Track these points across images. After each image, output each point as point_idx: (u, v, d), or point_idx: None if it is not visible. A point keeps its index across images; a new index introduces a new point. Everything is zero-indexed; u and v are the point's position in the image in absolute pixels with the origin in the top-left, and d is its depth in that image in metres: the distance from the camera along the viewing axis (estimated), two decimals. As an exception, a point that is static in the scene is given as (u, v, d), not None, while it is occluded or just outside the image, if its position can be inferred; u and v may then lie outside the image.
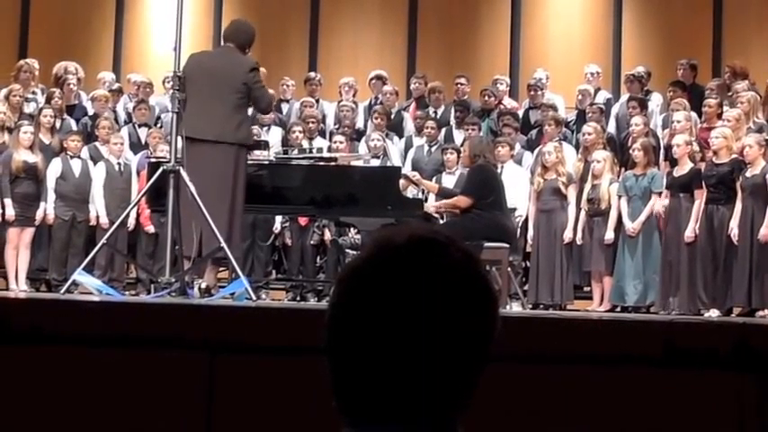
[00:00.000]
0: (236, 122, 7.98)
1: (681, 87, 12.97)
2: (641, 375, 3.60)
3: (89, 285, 8.15)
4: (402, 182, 9.81)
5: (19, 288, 11.35)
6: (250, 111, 8.89)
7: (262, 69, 8.87)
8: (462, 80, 13.88)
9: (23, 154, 11.46)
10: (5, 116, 12.02)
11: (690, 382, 3.59)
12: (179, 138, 7.67)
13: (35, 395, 3.72)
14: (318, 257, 12.40)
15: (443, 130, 13.03)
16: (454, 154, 11.73)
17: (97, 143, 12.40)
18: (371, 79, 14.34)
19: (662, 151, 11.87)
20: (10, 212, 11.39)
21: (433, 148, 12.59)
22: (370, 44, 16.50)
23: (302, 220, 12.03)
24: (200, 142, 7.72)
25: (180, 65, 7.71)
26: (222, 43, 8.48)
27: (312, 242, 12.18)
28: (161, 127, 12.81)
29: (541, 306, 11.32)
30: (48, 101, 12.83)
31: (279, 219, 12.14)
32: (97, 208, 11.89)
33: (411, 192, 10.62)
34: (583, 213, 11.42)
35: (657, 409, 3.57)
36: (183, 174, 7.38)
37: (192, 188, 7.31)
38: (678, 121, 11.44)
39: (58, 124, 12.49)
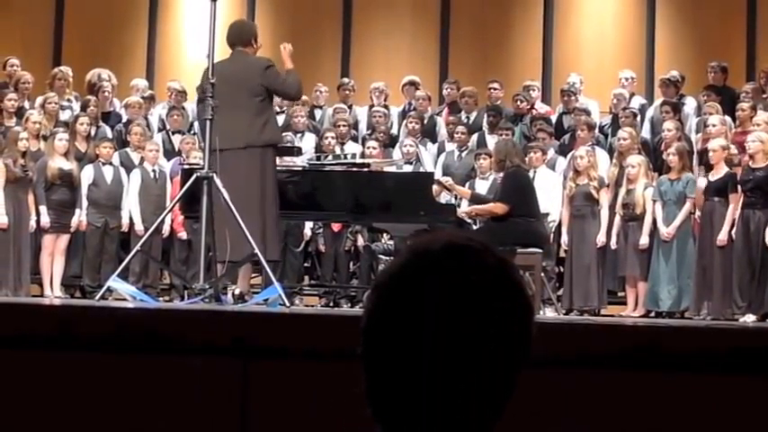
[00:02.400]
0: (261, 124, 7.97)
1: (715, 91, 12.92)
2: (676, 381, 3.58)
3: (123, 292, 8.18)
4: (435, 187, 9.80)
5: (54, 294, 11.41)
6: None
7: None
8: (495, 85, 13.86)
9: (59, 161, 11.52)
10: (41, 124, 12.09)
11: (725, 388, 3.57)
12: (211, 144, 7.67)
13: (70, 401, 3.74)
14: (351, 263, 12.41)
15: (476, 136, 13.02)
16: (487, 159, 11.70)
17: (128, 150, 12.44)
18: (404, 85, 14.34)
19: (695, 156, 11.82)
20: (45, 219, 11.45)
21: (464, 154, 12.59)
22: (403, 50, 16.50)
23: (335, 227, 12.05)
24: (227, 151, 7.69)
25: (213, 72, 7.70)
26: (231, 50, 8.40)
27: (345, 248, 12.20)
28: (194, 134, 12.84)
29: (575, 311, 11.29)
30: (83, 108, 12.89)
31: (309, 225, 12.16)
32: (132, 215, 11.94)
33: (444, 197, 10.61)
34: (618, 218, 11.38)
35: (693, 415, 3.55)
36: (217, 180, 7.39)
37: (226, 194, 7.33)
38: (714, 125, 11.38)
39: (93, 132, 12.55)
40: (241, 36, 8.28)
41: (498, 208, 9.28)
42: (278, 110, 13.57)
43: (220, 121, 7.67)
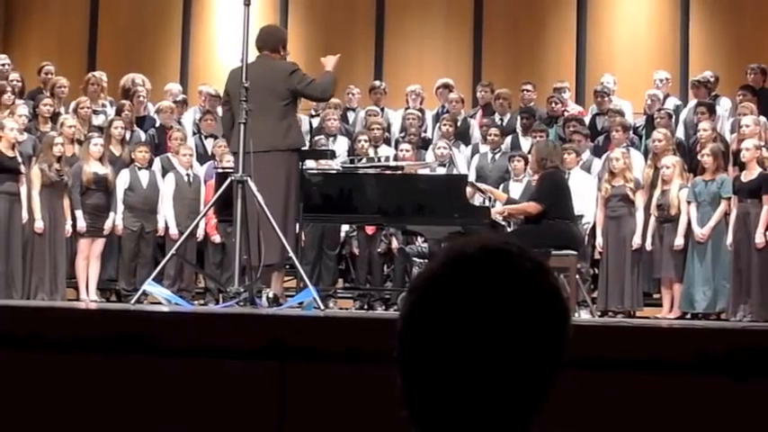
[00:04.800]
0: (284, 129, 7.96)
1: (750, 91, 12.84)
2: (714, 384, 3.56)
3: (158, 295, 8.20)
4: (468, 189, 9.79)
5: (89, 298, 11.47)
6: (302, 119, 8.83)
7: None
8: (528, 87, 13.84)
9: (94, 166, 11.59)
10: (75, 129, 12.15)
11: (764, 393, 3.55)
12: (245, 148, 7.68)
13: (107, 404, 3.76)
14: (386, 266, 12.41)
15: (509, 138, 13.00)
16: (521, 161, 11.71)
17: (169, 154, 12.47)
18: (438, 87, 14.33)
19: (731, 156, 11.75)
20: (81, 224, 11.52)
21: (497, 156, 12.57)
22: (436, 52, 16.50)
23: (369, 229, 12.05)
24: (251, 154, 7.69)
25: (246, 76, 7.72)
26: (257, 54, 8.38)
27: (379, 251, 12.20)
28: (226, 137, 12.87)
29: (610, 313, 11.25)
30: (118, 113, 12.95)
31: (344, 228, 12.17)
32: (167, 219, 11.97)
33: (477, 199, 10.60)
34: (653, 219, 11.34)
35: (730, 419, 3.53)
36: (251, 184, 7.41)
37: (260, 198, 7.35)
38: (747, 126, 11.33)
39: (128, 136, 12.60)
40: (269, 41, 8.26)
41: (532, 207, 9.27)
42: (312, 113, 13.63)
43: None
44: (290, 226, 7.97)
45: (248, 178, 7.44)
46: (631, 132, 12.68)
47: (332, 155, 10.35)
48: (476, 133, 13.55)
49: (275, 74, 8.01)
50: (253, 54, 8.15)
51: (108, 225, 11.73)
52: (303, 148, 8.53)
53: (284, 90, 7.98)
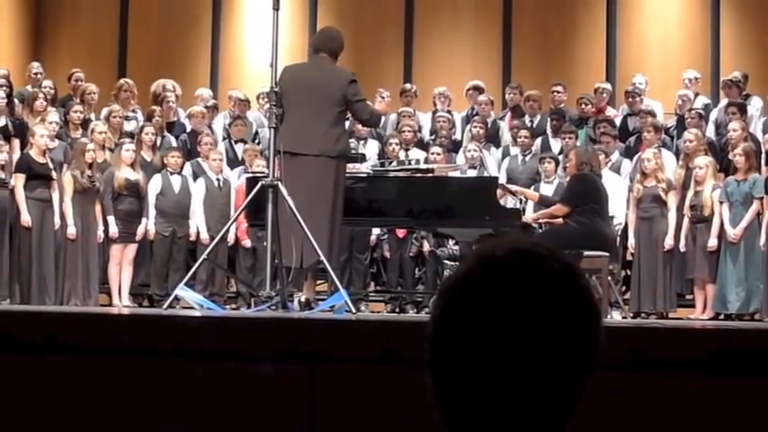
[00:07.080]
0: (336, 135, 7.95)
1: (782, 90, 12.80)
2: (749, 385, 3.54)
3: (191, 300, 8.23)
4: (499, 192, 9.77)
5: (122, 303, 11.52)
6: (347, 123, 8.87)
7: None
8: (558, 88, 13.81)
9: (125, 171, 11.64)
10: (105, 135, 12.20)
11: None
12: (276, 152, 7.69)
13: (139, 408, 3.77)
14: (417, 269, 12.41)
15: (539, 140, 12.98)
16: (552, 163, 11.69)
17: (200, 159, 12.52)
18: (468, 90, 14.32)
19: (763, 156, 11.70)
20: (113, 229, 11.57)
21: (528, 158, 12.55)
22: (465, 54, 16.49)
23: (400, 233, 12.05)
24: (300, 156, 7.73)
25: (276, 80, 7.73)
26: (313, 53, 8.39)
27: (411, 254, 12.20)
28: (258, 143, 12.91)
29: (643, 314, 11.21)
30: (148, 118, 13.00)
31: (375, 231, 12.17)
32: (198, 224, 12.02)
33: (510, 202, 10.58)
34: (686, 220, 11.29)
35: (762, 420, 3.51)
36: (282, 188, 7.41)
37: (291, 202, 7.34)
38: (779, 125, 11.29)
39: (158, 142, 12.66)
40: (331, 45, 8.22)
41: (558, 210, 9.26)
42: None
43: (296, 125, 7.70)
44: (337, 230, 8.00)
45: (279, 183, 7.44)
46: (663, 133, 12.63)
47: (362, 158, 10.34)
48: (506, 135, 13.54)
49: (335, 79, 7.99)
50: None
51: (140, 230, 11.78)
52: None
53: (341, 96, 7.94)
